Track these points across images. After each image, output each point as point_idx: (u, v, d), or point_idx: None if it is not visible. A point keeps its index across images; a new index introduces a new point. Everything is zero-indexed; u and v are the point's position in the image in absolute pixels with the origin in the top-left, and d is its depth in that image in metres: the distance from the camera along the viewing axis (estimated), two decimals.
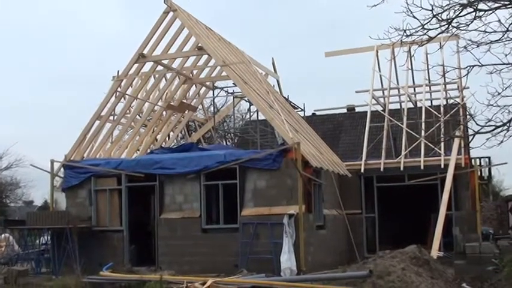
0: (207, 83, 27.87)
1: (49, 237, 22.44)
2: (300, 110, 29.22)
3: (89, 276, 16.49)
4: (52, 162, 22.80)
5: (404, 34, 11.28)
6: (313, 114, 33.55)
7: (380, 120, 25.99)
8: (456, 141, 22.35)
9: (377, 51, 27.30)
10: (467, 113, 21.27)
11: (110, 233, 21.31)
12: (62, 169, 22.90)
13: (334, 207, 22.38)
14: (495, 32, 11.07)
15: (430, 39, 11.68)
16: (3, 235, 27.87)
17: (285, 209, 18.73)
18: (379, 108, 27.39)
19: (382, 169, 23.46)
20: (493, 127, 11.22)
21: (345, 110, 33.89)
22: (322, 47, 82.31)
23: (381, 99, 28.09)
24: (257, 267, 17.82)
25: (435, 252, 18.97)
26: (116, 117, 25.34)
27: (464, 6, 10.95)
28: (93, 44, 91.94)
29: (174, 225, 20.34)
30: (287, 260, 17.93)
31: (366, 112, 26.63)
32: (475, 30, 11.19)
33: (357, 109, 32.97)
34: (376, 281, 13.21)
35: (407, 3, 10.85)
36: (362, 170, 23.71)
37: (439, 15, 11.14)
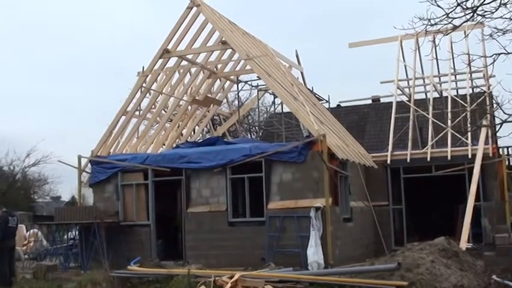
0: (232, 77, 27.89)
1: (77, 232, 22.61)
2: (324, 101, 29.12)
3: (116, 271, 16.59)
4: (79, 158, 23.00)
5: (429, 23, 11.20)
6: (338, 105, 33.44)
7: (405, 110, 25.80)
8: (483, 130, 22.14)
9: (401, 41, 27.13)
10: (494, 102, 20.99)
11: (137, 227, 21.42)
12: (89, 164, 23.07)
13: (361, 200, 22.28)
14: None
15: (455, 28, 11.58)
16: (31, 230, 28.18)
17: (312, 201, 18.67)
18: (405, 98, 27.22)
19: (408, 160, 23.30)
20: None
21: (370, 101, 33.73)
22: (345, 38, 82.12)
23: (406, 90, 27.90)
24: (284, 260, 17.76)
25: (464, 243, 18.81)
26: (141, 112, 25.45)
27: None
28: (118, 40, 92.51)
29: (201, 219, 20.38)
30: (314, 253, 17.87)
31: (391, 103, 26.47)
32: (501, 17, 11.08)
33: (382, 100, 32.81)
34: (404, 273, 13.10)
35: None
36: (388, 161, 23.56)
37: (464, 3, 11.04)
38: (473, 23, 11.68)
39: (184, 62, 24.84)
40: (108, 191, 22.12)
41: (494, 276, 13.56)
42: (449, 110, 24.40)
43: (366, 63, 69.06)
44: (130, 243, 20.99)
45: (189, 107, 27.52)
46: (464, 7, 11.03)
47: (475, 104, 23.72)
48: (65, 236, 24.05)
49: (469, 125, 23.10)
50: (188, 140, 27.18)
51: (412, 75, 26.90)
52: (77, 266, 21.46)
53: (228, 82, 29.14)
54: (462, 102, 24.58)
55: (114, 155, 23.24)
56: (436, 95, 27.39)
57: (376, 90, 36.91)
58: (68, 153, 67.50)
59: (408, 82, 27.85)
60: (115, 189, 21.90)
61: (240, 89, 26.81)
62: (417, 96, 27.67)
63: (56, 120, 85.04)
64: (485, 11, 11.09)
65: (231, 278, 13.56)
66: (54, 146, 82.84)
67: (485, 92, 24.42)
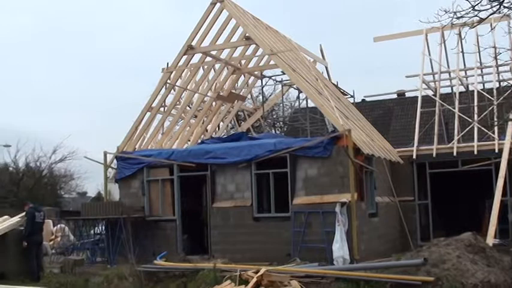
0: (256, 72, 27.88)
1: (103, 227, 22.78)
2: (349, 96, 29.02)
3: (143, 265, 16.72)
4: (105, 153, 23.16)
5: (455, 16, 11.08)
6: (363, 100, 33.30)
7: (431, 105, 25.60)
8: (510, 124, 21.90)
9: (426, 35, 26.92)
10: None
11: (163, 222, 21.54)
12: (115, 160, 23.22)
13: (386, 195, 22.19)
14: None
15: (481, 20, 11.46)
16: (58, 226, 28.42)
17: (337, 197, 18.60)
18: (430, 92, 27.02)
19: (434, 155, 23.14)
20: None
21: (395, 96, 33.57)
22: (370, 31, 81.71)
23: (432, 84, 27.69)
24: (309, 256, 17.77)
25: (491, 239, 18.63)
26: (166, 108, 25.56)
27: None
28: (141, 37, 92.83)
29: (226, 214, 20.45)
30: (339, 248, 17.83)
31: (417, 97, 26.31)
32: None
33: (407, 94, 32.64)
34: (431, 269, 13.03)
35: None
36: (414, 156, 23.41)
37: None
38: (500, 15, 11.54)
39: (208, 58, 24.88)
40: (134, 186, 22.26)
41: None
42: (475, 104, 24.18)
43: (391, 57, 68.71)
44: (156, 238, 21.13)
45: (214, 103, 27.58)
46: None
47: (501, 98, 23.49)
48: (92, 231, 24.20)
49: (495, 119, 22.89)
50: (213, 135, 27.27)
51: (438, 69, 26.71)
52: (103, 261, 21.59)
53: (252, 77, 29.14)
54: (488, 96, 24.36)
55: (140, 151, 23.38)
56: (462, 89, 27.18)
57: (402, 85, 36.69)
58: (93, 149, 68.01)
59: (434, 76, 27.65)
60: (141, 185, 22.03)
61: (264, 84, 26.87)
62: (443, 91, 27.53)
63: (81, 117, 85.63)
64: None
65: (256, 272, 13.60)
66: (79, 142, 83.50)
67: None
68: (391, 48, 70.50)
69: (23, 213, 19.58)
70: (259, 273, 13.40)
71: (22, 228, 19.22)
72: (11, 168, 59.10)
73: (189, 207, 22.08)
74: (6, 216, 20.48)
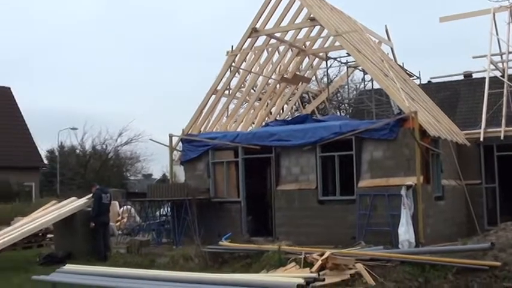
0: (320, 54, 27.74)
1: (169, 209, 23.12)
2: (415, 77, 28.60)
3: (208, 246, 16.94)
4: (170, 136, 23.46)
5: None
6: (429, 82, 32.74)
7: (499, 86, 24.96)
8: None
9: (494, 14, 26.25)
10: None
11: (227, 204, 21.75)
12: (180, 143, 23.50)
13: (453, 178, 21.82)
14: None
15: None
16: (125, 207, 29.02)
17: (403, 180, 18.42)
18: (498, 73, 26.37)
19: (502, 137, 22.58)
20: None
21: (461, 77, 32.88)
22: (436, 12, 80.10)
23: (500, 64, 27.02)
24: (374, 239, 17.66)
25: None
26: (231, 91, 25.71)
27: None
28: (206, 20, 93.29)
29: (291, 196, 20.48)
30: (405, 232, 17.65)
31: (484, 78, 25.70)
32: None
33: (474, 75, 31.88)
34: (498, 253, 12.81)
35: None
36: (481, 139, 22.89)
37: None
38: None
39: (272, 40, 24.89)
40: (199, 168, 22.51)
41: None
42: None
43: (457, 37, 67.33)
44: (221, 220, 21.34)
45: (278, 85, 27.61)
46: None
47: None
48: (157, 212, 24.59)
49: None
50: (277, 118, 27.30)
51: (506, 49, 26.07)
52: (169, 242, 21.88)
53: (317, 59, 29.00)
54: None
55: (205, 133, 23.61)
56: None
57: (468, 66, 35.93)
58: (158, 131, 69.03)
59: (502, 56, 26.98)
60: (206, 167, 22.26)
61: (329, 66, 26.69)
62: (511, 71, 26.81)
63: (146, 100, 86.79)
64: None
65: (321, 255, 13.60)
66: (145, 125, 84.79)
67: None
68: (457, 29, 69.01)
69: (90, 195, 20.08)
70: (324, 256, 13.38)
71: (89, 209, 19.72)
72: (78, 151, 60.69)
73: (254, 189, 22.20)
74: (73, 198, 21.07)
